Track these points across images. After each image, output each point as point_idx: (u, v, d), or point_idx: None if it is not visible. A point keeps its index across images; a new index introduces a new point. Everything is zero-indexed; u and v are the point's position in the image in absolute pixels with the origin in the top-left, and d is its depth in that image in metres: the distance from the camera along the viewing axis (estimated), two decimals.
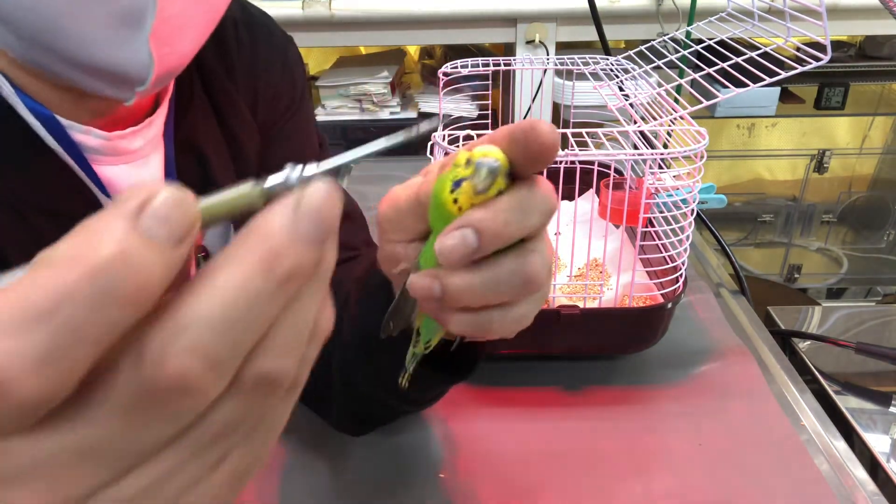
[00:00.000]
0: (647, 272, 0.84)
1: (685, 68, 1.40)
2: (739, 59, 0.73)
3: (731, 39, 0.83)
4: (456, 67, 0.93)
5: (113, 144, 0.49)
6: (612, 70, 0.92)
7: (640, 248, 0.75)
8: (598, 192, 0.83)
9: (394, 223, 0.35)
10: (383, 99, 1.72)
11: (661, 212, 0.74)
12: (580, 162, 0.69)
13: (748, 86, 0.71)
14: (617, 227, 0.94)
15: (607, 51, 1.14)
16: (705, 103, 0.77)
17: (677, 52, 0.89)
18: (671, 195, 0.71)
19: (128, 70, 0.42)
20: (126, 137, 0.50)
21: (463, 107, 1.60)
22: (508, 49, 1.75)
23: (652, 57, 0.90)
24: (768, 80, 0.69)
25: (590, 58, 0.97)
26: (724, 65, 0.74)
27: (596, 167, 0.82)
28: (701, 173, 0.68)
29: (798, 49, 0.79)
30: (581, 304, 0.78)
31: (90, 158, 0.48)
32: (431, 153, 0.71)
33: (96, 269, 0.16)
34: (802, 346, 0.89)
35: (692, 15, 1.53)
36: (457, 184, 0.29)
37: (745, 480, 0.65)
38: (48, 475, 0.17)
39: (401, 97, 1.77)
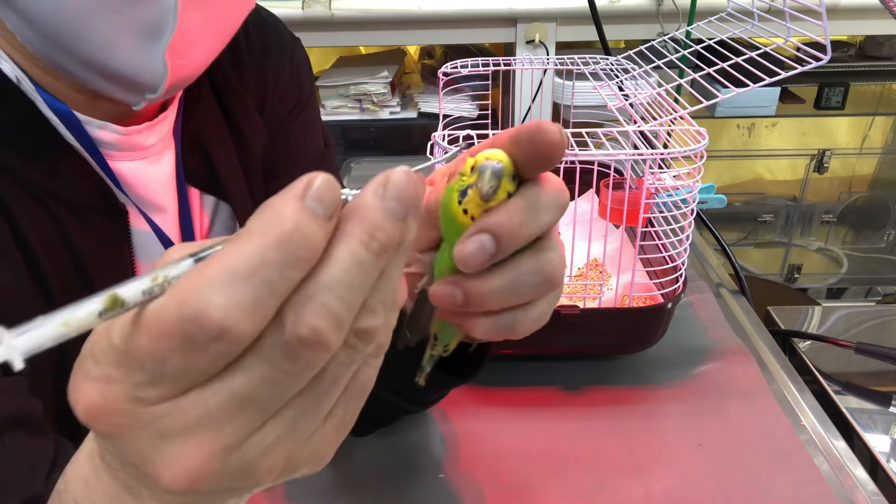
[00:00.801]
0: (647, 272, 0.84)
1: (685, 68, 1.40)
2: (739, 59, 0.73)
3: (731, 39, 0.83)
4: (456, 67, 0.93)
5: (128, 140, 0.50)
6: (612, 70, 0.92)
7: (640, 248, 0.75)
8: (598, 192, 0.83)
9: None
10: (383, 99, 1.72)
11: (661, 212, 0.74)
12: (580, 162, 0.69)
13: (748, 86, 0.71)
14: (617, 227, 0.94)
15: (607, 51, 1.14)
16: (705, 103, 0.77)
17: (677, 52, 0.89)
18: (671, 195, 0.71)
19: (142, 78, 0.44)
20: (141, 133, 0.51)
21: (463, 107, 1.60)
22: (508, 49, 1.75)
23: (652, 57, 0.90)
24: (768, 80, 0.69)
25: (590, 58, 0.97)
26: (724, 65, 0.74)
27: (596, 167, 0.82)
28: (701, 173, 0.68)
29: (798, 49, 0.79)
30: (581, 304, 0.78)
31: (106, 154, 0.49)
32: (431, 153, 0.71)
33: (282, 239, 0.20)
34: (802, 346, 0.89)
35: (692, 15, 1.53)
36: (463, 193, 0.29)
37: (745, 480, 0.65)
38: (212, 425, 0.21)
39: (401, 97, 1.77)
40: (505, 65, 0.95)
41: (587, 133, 0.68)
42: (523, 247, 0.30)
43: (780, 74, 0.70)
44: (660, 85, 0.83)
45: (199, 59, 0.46)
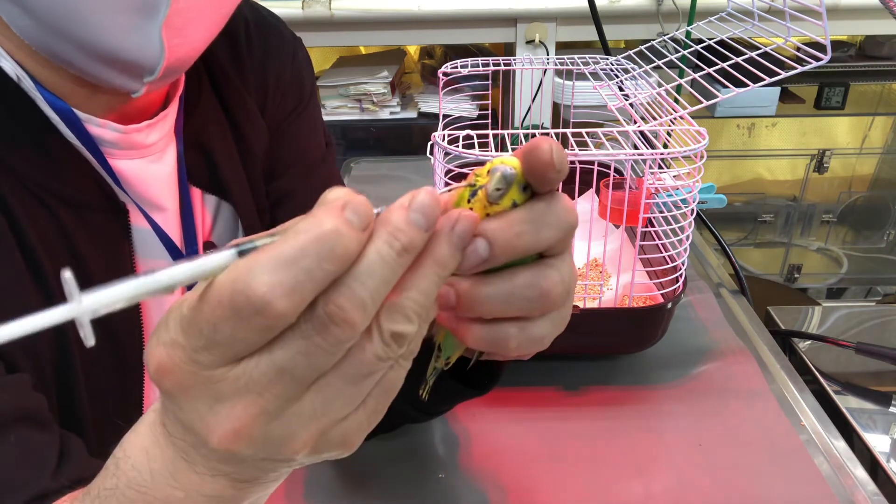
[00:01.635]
0: (647, 272, 0.84)
1: (685, 68, 1.40)
2: (739, 59, 0.73)
3: (731, 39, 0.83)
4: (456, 67, 0.93)
5: (129, 138, 0.50)
6: (612, 70, 0.92)
7: (640, 248, 0.75)
8: (598, 192, 0.83)
9: None
10: (383, 99, 1.72)
11: (661, 212, 0.74)
12: (580, 162, 0.69)
13: (748, 86, 0.71)
14: (617, 227, 0.94)
15: (607, 51, 1.14)
16: (705, 103, 0.77)
17: (677, 52, 0.89)
18: (671, 195, 0.71)
19: (139, 58, 0.43)
20: (141, 131, 0.51)
21: (463, 107, 1.59)
22: (508, 49, 1.75)
23: (652, 57, 0.90)
24: (768, 80, 0.69)
25: (590, 58, 0.97)
26: (724, 65, 0.74)
27: (596, 167, 0.82)
28: (701, 173, 0.68)
29: (798, 49, 0.79)
30: (581, 304, 0.78)
31: (105, 152, 0.49)
32: (431, 153, 0.71)
33: (321, 236, 0.24)
34: (802, 346, 0.89)
35: (692, 15, 1.53)
36: (473, 193, 0.29)
37: (745, 480, 0.65)
38: (255, 390, 0.25)
39: (401, 97, 1.77)
40: (505, 65, 0.95)
41: (587, 133, 0.68)
42: (525, 260, 0.30)
43: (780, 74, 0.70)
44: (660, 85, 0.83)
45: (196, 39, 0.46)
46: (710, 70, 0.76)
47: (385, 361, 0.26)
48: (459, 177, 0.77)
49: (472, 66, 0.94)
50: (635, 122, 0.77)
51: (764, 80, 0.70)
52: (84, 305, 0.22)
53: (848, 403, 0.79)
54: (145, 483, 0.28)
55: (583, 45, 1.81)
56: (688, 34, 0.92)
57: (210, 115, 0.58)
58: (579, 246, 0.86)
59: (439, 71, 0.93)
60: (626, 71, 0.91)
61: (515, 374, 0.79)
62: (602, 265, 0.85)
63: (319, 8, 1.52)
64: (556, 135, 0.68)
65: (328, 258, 0.24)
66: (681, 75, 1.22)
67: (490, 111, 1.05)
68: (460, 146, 0.66)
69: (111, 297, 0.23)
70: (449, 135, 0.68)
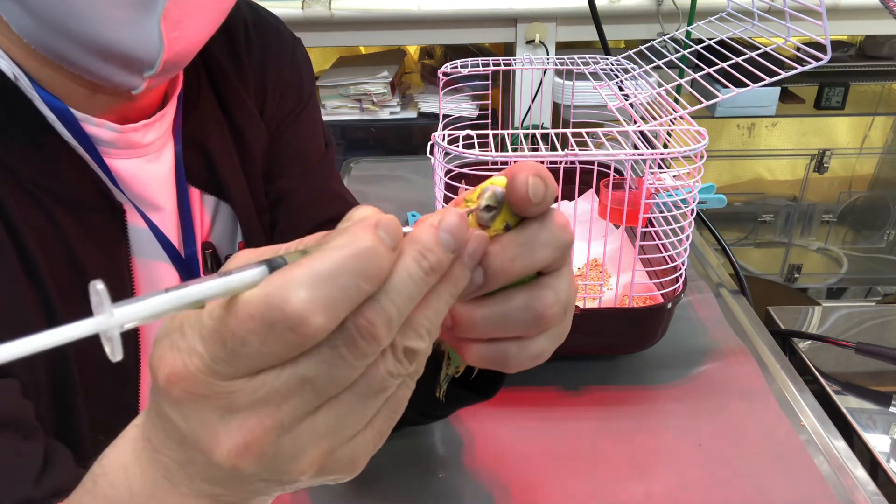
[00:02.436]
0: (646, 272, 0.84)
1: (685, 68, 1.40)
2: (739, 59, 0.73)
3: (731, 39, 0.83)
4: (456, 67, 0.93)
5: (126, 138, 0.50)
6: (612, 70, 0.92)
7: (639, 248, 0.75)
8: (598, 192, 0.83)
9: None
10: (383, 99, 1.72)
11: (661, 212, 0.74)
12: (580, 162, 0.69)
13: (748, 86, 0.71)
14: (617, 227, 0.94)
15: (607, 51, 1.14)
16: (705, 103, 0.77)
17: (677, 52, 0.89)
18: (671, 195, 0.71)
19: (138, 52, 0.43)
20: (139, 131, 0.51)
21: (463, 107, 1.59)
22: (508, 49, 1.75)
23: (652, 57, 0.90)
24: (768, 80, 0.69)
25: (590, 58, 0.97)
26: (724, 65, 0.74)
27: (596, 167, 0.82)
28: (701, 173, 0.68)
29: (798, 49, 0.79)
30: (581, 305, 0.78)
31: (102, 152, 0.49)
32: (431, 153, 0.71)
33: (358, 254, 0.24)
34: (802, 346, 0.89)
35: (692, 15, 1.53)
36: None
37: (745, 480, 0.65)
38: (273, 401, 0.24)
39: (401, 97, 1.77)
40: (505, 65, 0.95)
41: (587, 133, 0.68)
42: (522, 280, 0.30)
43: (780, 74, 0.70)
44: (660, 85, 0.83)
45: (195, 33, 0.46)
46: (710, 70, 0.75)
47: (396, 378, 0.26)
48: (460, 177, 0.77)
49: (472, 66, 0.94)
50: (635, 122, 0.77)
51: (764, 80, 0.70)
52: (115, 319, 0.21)
53: (848, 403, 0.79)
54: (122, 503, 0.28)
55: (583, 45, 1.81)
56: (688, 34, 0.92)
57: (209, 115, 0.58)
58: (579, 246, 0.86)
59: (439, 71, 0.93)
60: (626, 71, 0.91)
61: (516, 374, 0.78)
62: (602, 265, 0.85)
63: (319, 8, 1.52)
64: (556, 135, 0.68)
65: (364, 276, 0.24)
66: (681, 75, 1.22)
67: (490, 111, 1.05)
68: (460, 146, 0.66)
69: (142, 310, 0.22)
70: (449, 135, 0.68)
